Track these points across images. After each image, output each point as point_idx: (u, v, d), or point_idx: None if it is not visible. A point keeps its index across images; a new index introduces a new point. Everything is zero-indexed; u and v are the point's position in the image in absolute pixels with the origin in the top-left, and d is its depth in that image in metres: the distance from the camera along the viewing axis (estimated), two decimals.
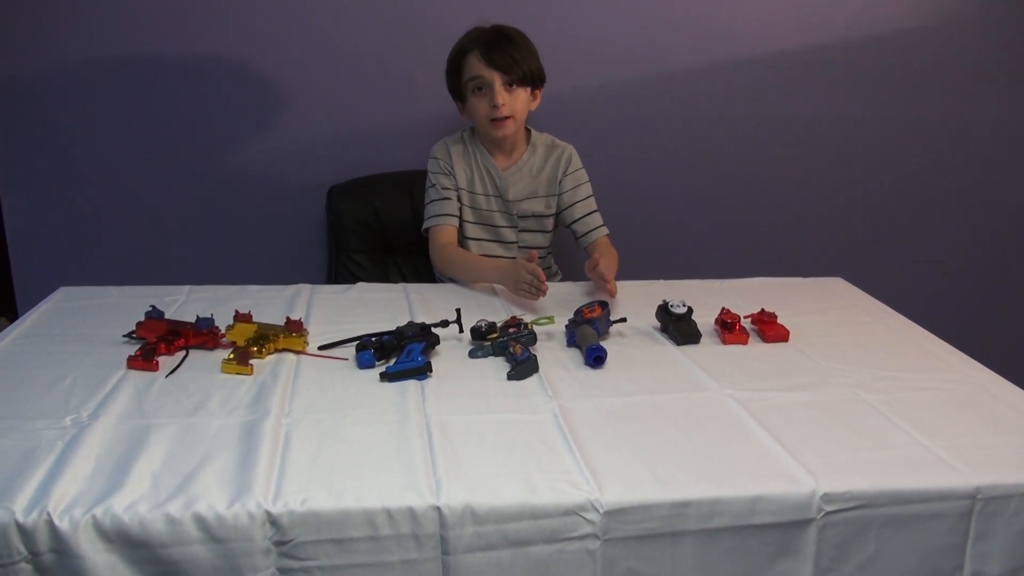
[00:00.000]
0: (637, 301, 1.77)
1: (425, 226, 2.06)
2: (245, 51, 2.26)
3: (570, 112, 2.38)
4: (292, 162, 2.35)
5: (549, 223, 2.13)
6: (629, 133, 2.46)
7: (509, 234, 2.10)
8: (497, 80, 1.94)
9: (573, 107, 2.40)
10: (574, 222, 2.09)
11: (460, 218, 2.06)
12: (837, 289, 1.94)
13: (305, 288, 1.83)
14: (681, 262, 2.57)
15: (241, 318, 1.50)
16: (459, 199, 2.06)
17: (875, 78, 2.52)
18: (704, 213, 2.57)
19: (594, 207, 2.12)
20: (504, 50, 1.94)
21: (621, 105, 2.43)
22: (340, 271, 2.26)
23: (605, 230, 2.12)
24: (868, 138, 2.57)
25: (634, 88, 2.42)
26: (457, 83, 2.01)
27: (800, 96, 2.50)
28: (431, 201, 2.07)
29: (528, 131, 2.11)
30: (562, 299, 1.77)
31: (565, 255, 2.21)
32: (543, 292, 1.73)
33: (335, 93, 2.32)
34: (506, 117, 1.96)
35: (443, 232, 2.04)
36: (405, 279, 2.26)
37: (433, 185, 2.07)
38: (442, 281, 2.16)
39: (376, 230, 2.28)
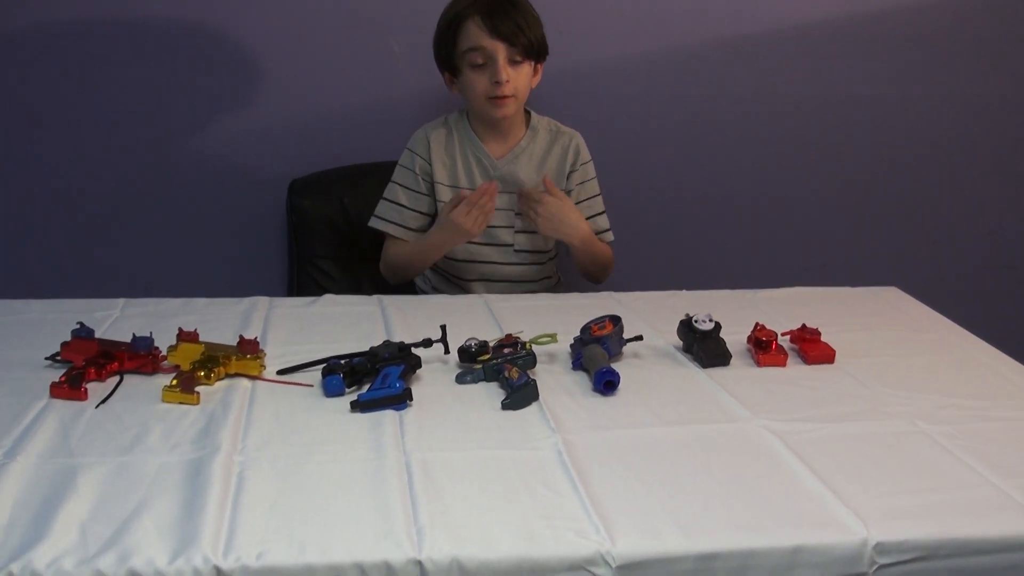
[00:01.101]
0: (655, 316, 1.76)
1: (375, 226, 2.09)
2: (189, 18, 2.26)
3: (571, 92, 2.40)
4: (245, 151, 2.36)
5: None
6: (642, 117, 2.48)
7: (505, 235, 2.10)
8: (501, 52, 1.96)
9: (575, 86, 2.42)
10: None
11: (439, 220, 2.08)
12: (892, 300, 1.95)
13: (262, 301, 1.83)
14: (707, 269, 2.59)
15: (185, 337, 1.50)
16: (432, 205, 2.08)
17: (941, 52, 2.53)
18: (733, 210, 2.59)
19: (601, 208, 2.14)
20: (509, 16, 1.96)
21: (632, 84, 2.45)
22: (303, 280, 2.27)
23: (610, 236, 2.14)
24: (933, 120, 2.57)
25: (647, 64, 2.44)
26: (450, 54, 2.02)
27: (851, 71, 2.52)
28: (390, 202, 2.09)
29: (527, 113, 2.13)
30: (566, 313, 1.77)
31: (569, 261, 2.23)
32: (490, 200, 1.88)
33: (296, 68, 2.33)
34: (508, 96, 1.98)
35: (396, 245, 2.08)
36: (380, 290, 2.22)
37: (399, 185, 2.09)
38: (424, 291, 2.16)
39: (345, 232, 2.28)
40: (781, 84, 2.50)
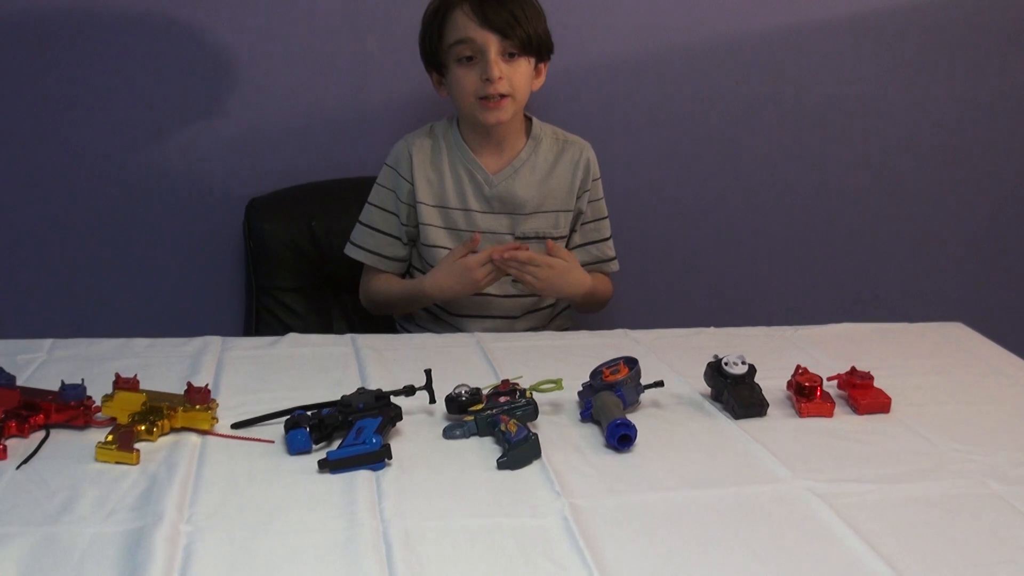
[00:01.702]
0: (678, 357, 1.77)
1: (351, 254, 2.12)
2: (134, 11, 2.27)
3: (577, 96, 2.42)
4: (195, 165, 2.37)
5: None
6: (658, 121, 2.50)
7: None
8: (493, 45, 1.98)
9: (582, 89, 2.43)
10: (579, 247, 2.14)
11: (423, 244, 2.10)
12: (957, 338, 1.95)
13: (214, 341, 1.83)
14: (738, 301, 2.59)
15: (123, 384, 1.49)
16: (414, 230, 2.11)
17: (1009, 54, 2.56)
18: (769, 231, 2.60)
19: (608, 232, 2.18)
20: (503, 5, 1.98)
21: (647, 85, 2.47)
22: (263, 317, 2.28)
23: (615, 266, 2.18)
24: (1008, 127, 2.59)
25: (664, 63, 2.46)
26: (435, 49, 2.04)
27: (905, 71, 2.55)
28: (366, 226, 2.12)
29: (528, 120, 2.14)
30: (573, 355, 1.77)
31: None
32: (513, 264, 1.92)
33: (256, 69, 2.34)
34: (503, 96, 2.00)
35: (380, 281, 2.12)
36: (353, 328, 2.27)
37: (376, 207, 2.12)
38: (406, 329, 2.16)
39: (313, 259, 2.29)
40: (831, 84, 2.54)
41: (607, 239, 2.19)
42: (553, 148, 2.14)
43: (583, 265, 2.14)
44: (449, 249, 2.09)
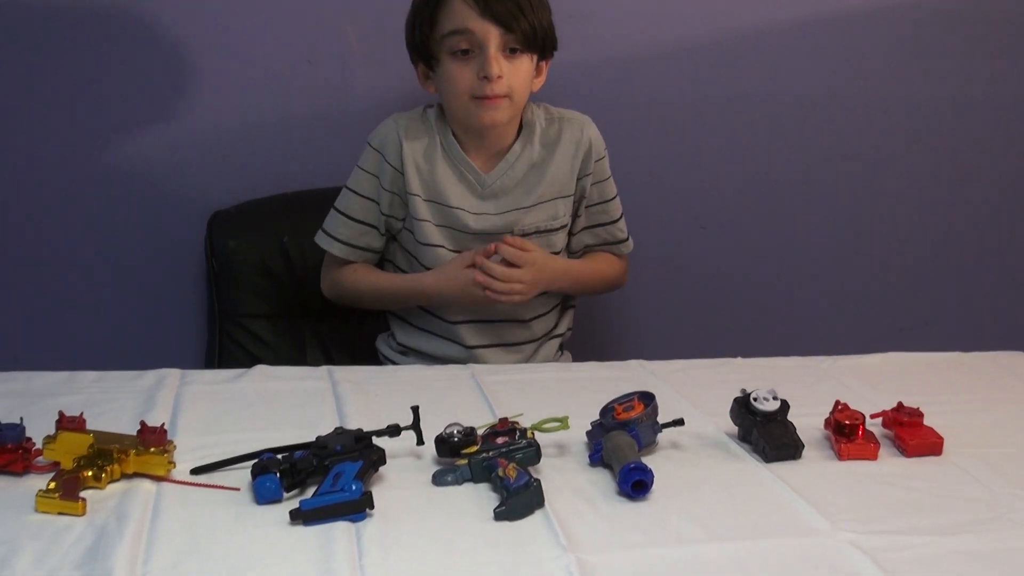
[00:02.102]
0: (700, 392, 1.77)
1: (323, 244, 2.15)
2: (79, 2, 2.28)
3: (583, 94, 2.42)
4: (150, 173, 2.37)
5: (558, 241, 2.17)
6: (677, 126, 2.51)
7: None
8: (493, 37, 1.99)
9: (589, 86, 2.45)
10: (585, 229, 2.17)
11: (417, 241, 2.12)
12: (1018, 369, 1.95)
13: (171, 375, 1.83)
14: (768, 327, 2.59)
15: (68, 424, 1.48)
16: (396, 222, 2.12)
17: None
18: (801, 246, 2.60)
19: (619, 212, 2.21)
20: None
21: (666, 81, 2.48)
22: (227, 346, 2.28)
23: (629, 246, 2.20)
24: None
25: (687, 53, 2.47)
26: (426, 38, 2.06)
27: (952, 64, 2.57)
28: (343, 215, 2.14)
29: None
30: (581, 389, 1.77)
31: (585, 310, 2.23)
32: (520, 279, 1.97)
33: (219, 63, 2.34)
34: (500, 95, 2.01)
35: (348, 268, 2.15)
36: (331, 358, 2.28)
37: (354, 192, 2.13)
38: (389, 358, 2.16)
39: (285, 281, 2.30)
40: (870, 81, 2.56)
41: (617, 220, 2.21)
42: (547, 131, 2.15)
43: (589, 248, 2.20)
44: (448, 249, 2.11)
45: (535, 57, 2.06)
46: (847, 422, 1.59)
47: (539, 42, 2.04)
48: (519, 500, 1.39)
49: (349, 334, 2.32)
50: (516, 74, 2.02)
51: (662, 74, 2.48)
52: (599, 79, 2.46)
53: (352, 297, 2.19)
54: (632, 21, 2.46)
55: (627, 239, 2.23)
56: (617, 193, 2.21)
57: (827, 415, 1.64)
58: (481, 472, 1.48)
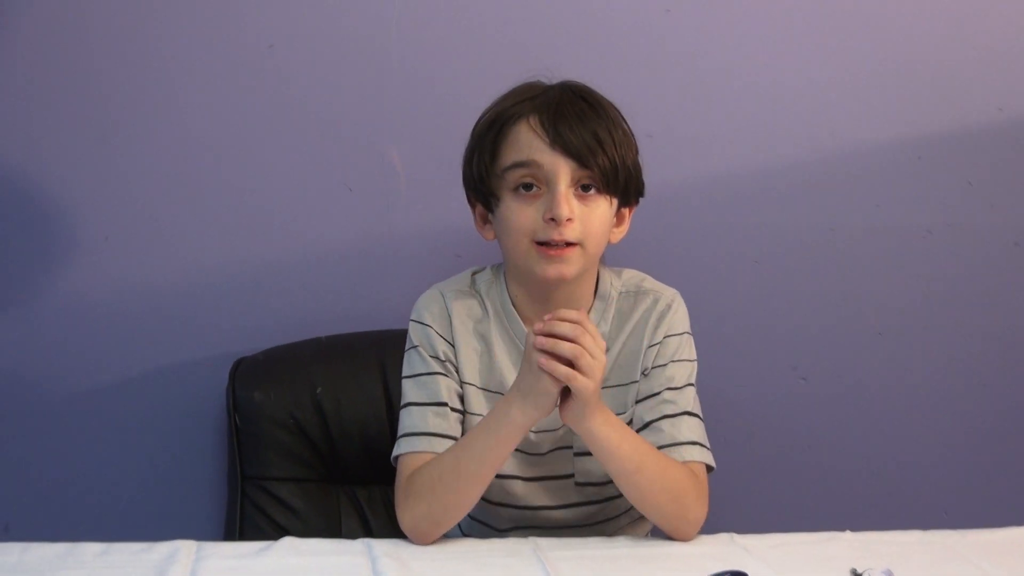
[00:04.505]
0: (803, 571, 1.71)
1: (398, 452, 1.93)
2: (93, 117, 2.29)
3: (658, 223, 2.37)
4: (166, 315, 2.35)
5: None
6: (769, 265, 2.48)
7: (560, 461, 1.96)
8: (564, 173, 1.85)
9: (666, 215, 2.41)
10: (642, 428, 1.95)
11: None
12: None
13: (186, 547, 1.75)
14: (882, 494, 2.52)
15: None
16: (462, 402, 1.96)
17: None
18: (923, 401, 2.55)
19: (684, 406, 1.95)
20: (583, 121, 1.86)
21: (760, 214, 2.46)
22: (250, 514, 2.23)
23: (693, 454, 1.92)
24: None
25: (785, 183, 2.44)
26: (485, 172, 1.92)
27: None
28: (417, 406, 1.94)
29: (597, 272, 2.02)
30: (658, 567, 1.74)
31: None
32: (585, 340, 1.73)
33: (247, 194, 2.35)
34: (570, 244, 1.85)
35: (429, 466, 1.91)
36: (370, 531, 2.22)
37: (418, 375, 1.95)
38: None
39: (317, 439, 2.25)
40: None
41: (679, 415, 1.96)
42: (624, 306, 2.01)
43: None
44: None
45: (615, 201, 1.91)
46: None
47: (621, 183, 1.89)
48: None
49: (389, 502, 2.19)
50: (590, 217, 1.87)
51: (761, 204, 2.47)
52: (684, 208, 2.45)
53: (441, 491, 1.86)
54: (712, 146, 2.44)
55: (694, 443, 1.94)
56: (693, 383, 2.01)
57: None
58: None
